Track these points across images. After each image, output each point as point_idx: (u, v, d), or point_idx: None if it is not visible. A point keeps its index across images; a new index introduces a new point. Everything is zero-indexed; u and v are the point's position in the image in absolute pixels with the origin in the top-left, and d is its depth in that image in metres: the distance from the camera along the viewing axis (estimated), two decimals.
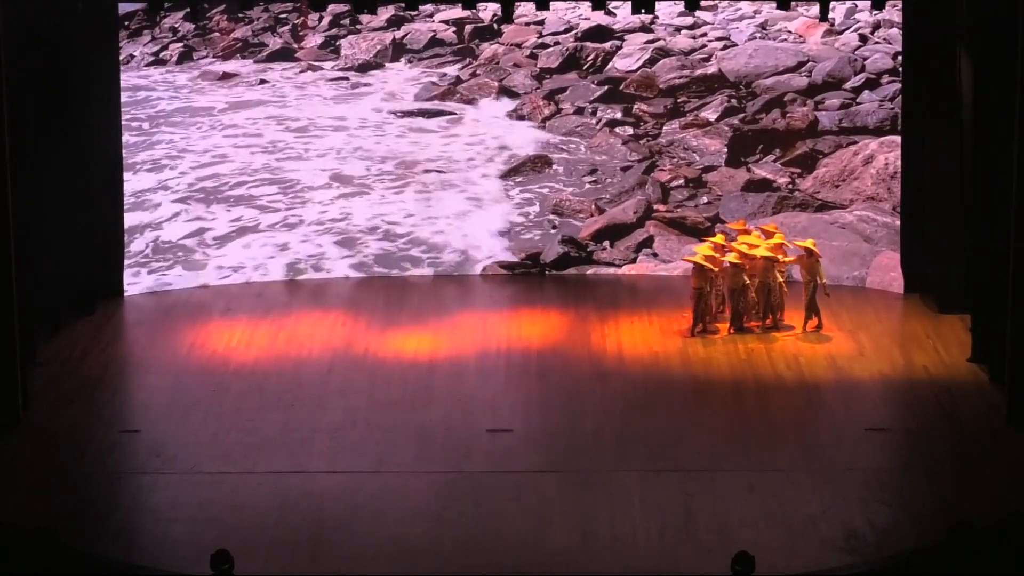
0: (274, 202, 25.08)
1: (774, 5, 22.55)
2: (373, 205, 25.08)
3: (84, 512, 16.99)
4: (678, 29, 25.54)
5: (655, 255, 24.80)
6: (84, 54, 22.57)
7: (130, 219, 24.31)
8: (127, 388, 20.90)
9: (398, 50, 26.00)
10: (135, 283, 24.05)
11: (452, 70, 25.81)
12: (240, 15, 25.76)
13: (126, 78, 24.41)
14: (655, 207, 24.94)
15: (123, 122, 23.92)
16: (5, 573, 14.00)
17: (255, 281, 24.38)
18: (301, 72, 25.94)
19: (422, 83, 25.79)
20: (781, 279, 22.17)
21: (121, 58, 24.01)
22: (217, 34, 26.01)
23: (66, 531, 14.76)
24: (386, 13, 25.73)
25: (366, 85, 25.89)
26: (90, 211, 22.96)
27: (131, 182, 24.51)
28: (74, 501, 17.27)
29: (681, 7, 24.26)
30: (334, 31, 26.05)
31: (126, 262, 24.06)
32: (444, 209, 25.04)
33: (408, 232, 24.96)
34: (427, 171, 25.24)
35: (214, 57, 25.95)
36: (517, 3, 22.76)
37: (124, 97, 24.09)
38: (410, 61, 25.98)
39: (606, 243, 24.92)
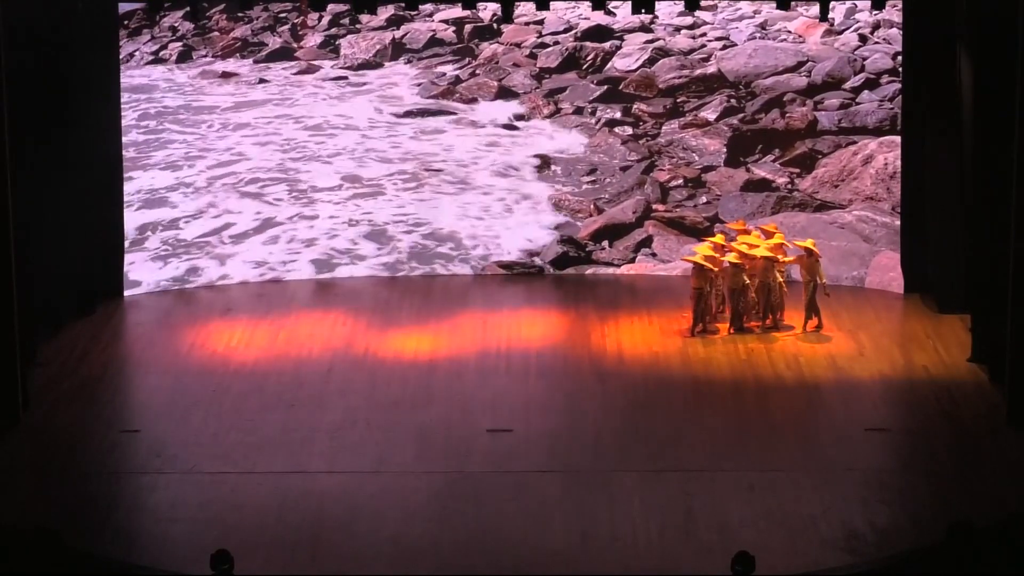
0: (289, 201, 25.07)
1: (774, 5, 22.54)
2: (394, 205, 25.07)
3: (84, 512, 16.98)
4: (678, 29, 25.53)
5: (654, 255, 24.80)
6: (84, 54, 22.57)
7: (145, 216, 24.34)
8: (127, 388, 20.91)
9: (398, 50, 25.98)
10: (158, 276, 24.12)
11: (451, 70, 25.80)
12: (240, 14, 25.74)
13: (128, 77, 24.41)
14: (654, 207, 24.93)
15: (133, 120, 23.92)
16: (5, 573, 13.99)
17: (277, 279, 24.41)
18: (300, 72, 25.92)
19: (421, 83, 25.78)
20: (781, 279, 22.16)
21: (120, 57, 24.01)
22: (216, 33, 25.99)
23: (66, 531, 14.73)
24: (386, 13, 25.71)
25: (366, 84, 25.88)
26: (90, 211, 22.96)
27: (141, 179, 24.53)
28: (74, 501, 17.26)
29: (681, 7, 24.25)
30: (334, 30, 26.03)
31: (143, 258, 24.12)
32: (468, 209, 25.04)
33: (433, 230, 24.95)
34: (440, 170, 25.24)
35: (213, 56, 25.93)
36: (517, 3, 22.75)
37: (128, 96, 24.10)
38: (409, 61, 25.96)
39: (605, 243, 24.91)
